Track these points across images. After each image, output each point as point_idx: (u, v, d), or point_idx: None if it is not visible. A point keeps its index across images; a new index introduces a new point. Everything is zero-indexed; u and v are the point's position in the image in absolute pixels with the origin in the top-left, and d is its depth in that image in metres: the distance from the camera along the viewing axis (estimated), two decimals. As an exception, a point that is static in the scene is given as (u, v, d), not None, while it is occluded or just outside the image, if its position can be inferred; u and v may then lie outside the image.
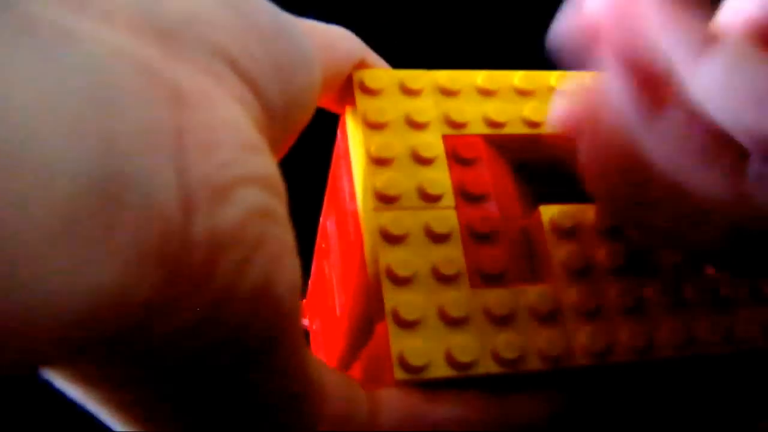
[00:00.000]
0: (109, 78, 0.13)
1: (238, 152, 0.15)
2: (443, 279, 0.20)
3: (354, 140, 0.23)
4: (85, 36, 0.13)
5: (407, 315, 0.19)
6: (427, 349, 0.19)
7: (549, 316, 0.20)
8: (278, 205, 0.16)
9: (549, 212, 0.22)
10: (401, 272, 0.20)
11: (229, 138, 0.14)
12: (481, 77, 0.24)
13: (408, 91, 0.23)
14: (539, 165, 0.24)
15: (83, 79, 0.12)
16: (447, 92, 0.23)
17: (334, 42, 0.22)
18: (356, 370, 0.22)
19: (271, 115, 0.17)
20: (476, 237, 0.21)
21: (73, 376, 0.15)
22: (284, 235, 0.16)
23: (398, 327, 0.19)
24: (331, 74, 0.22)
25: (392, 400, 0.19)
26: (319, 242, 0.28)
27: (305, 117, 0.19)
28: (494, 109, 0.23)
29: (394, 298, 0.19)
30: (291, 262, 0.16)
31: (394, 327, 0.19)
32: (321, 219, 0.28)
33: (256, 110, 0.16)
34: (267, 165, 0.15)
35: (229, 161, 0.14)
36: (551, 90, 0.24)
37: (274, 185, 0.16)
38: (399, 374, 0.19)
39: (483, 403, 0.20)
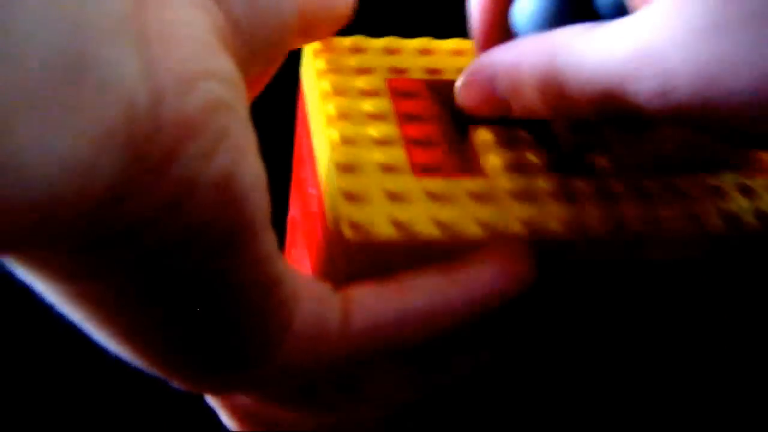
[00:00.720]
0: None
1: (198, 49, 0.15)
2: (388, 168, 0.22)
3: (309, 87, 0.26)
4: None
5: (356, 190, 0.21)
6: (376, 216, 0.21)
7: (486, 197, 0.22)
8: (239, 103, 0.16)
9: (483, 130, 0.24)
10: (349, 161, 0.22)
11: (190, 36, 0.15)
12: (418, 41, 0.27)
13: (355, 50, 0.26)
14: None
15: None
16: (390, 51, 0.27)
17: None
18: None
19: (236, 28, 0.18)
20: (416, 143, 0.24)
21: (42, 266, 0.16)
22: (246, 132, 0.16)
23: (348, 201, 0.21)
24: (309, 15, 0.22)
25: (364, 298, 0.20)
26: (289, 238, 0.30)
27: (275, 45, 0.20)
28: (432, 61, 0.26)
29: (343, 181, 0.22)
30: (254, 159, 0.16)
31: (343, 201, 0.21)
32: (288, 215, 0.30)
33: (218, 19, 0.17)
34: (226, 65, 0.16)
35: (191, 56, 0.15)
36: None
37: (235, 84, 0.16)
38: (349, 234, 0.21)
39: (445, 286, 0.21)
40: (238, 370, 0.19)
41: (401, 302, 0.20)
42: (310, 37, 0.24)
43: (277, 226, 0.30)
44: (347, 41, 0.27)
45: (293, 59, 0.27)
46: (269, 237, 0.17)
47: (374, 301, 0.20)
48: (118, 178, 0.14)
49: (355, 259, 0.21)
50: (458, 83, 0.24)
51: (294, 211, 0.29)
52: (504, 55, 0.23)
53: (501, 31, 0.24)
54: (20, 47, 0.12)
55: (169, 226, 0.15)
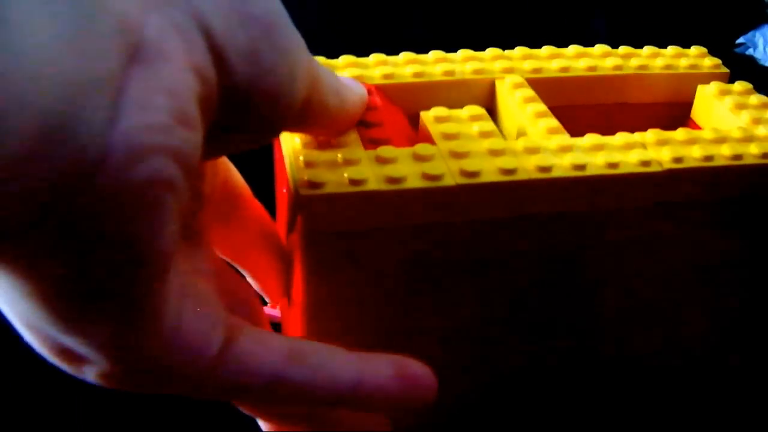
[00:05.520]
0: (82, 27, 0.14)
1: (168, 119, 0.16)
2: (339, 144, 0.25)
3: None
4: None
5: (308, 158, 0.24)
6: (328, 174, 0.24)
7: (429, 158, 0.25)
8: (183, 179, 0.17)
9: (428, 113, 0.27)
10: (304, 143, 0.25)
11: (166, 104, 0.16)
12: (372, 57, 0.31)
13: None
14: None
15: (61, 25, 0.14)
16: (344, 66, 0.30)
17: (333, 88, 0.23)
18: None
19: (232, 97, 0.18)
20: (367, 125, 0.26)
21: None
22: (176, 206, 0.17)
23: (300, 168, 0.24)
24: (308, 108, 0.22)
25: (250, 344, 0.21)
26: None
27: (272, 120, 0.20)
28: (383, 69, 0.30)
29: (303, 155, 0.24)
30: (171, 231, 0.17)
31: (296, 169, 0.24)
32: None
33: (212, 85, 0.17)
34: (189, 140, 0.17)
35: (156, 125, 0.16)
36: (432, 60, 0.31)
37: (188, 161, 0.17)
38: (303, 191, 0.23)
39: (333, 367, 0.22)
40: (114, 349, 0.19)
41: (279, 365, 0.21)
42: (305, 126, 0.24)
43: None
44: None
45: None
46: (160, 280, 0.18)
47: (257, 349, 0.21)
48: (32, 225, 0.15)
49: (317, 217, 0.23)
50: None
51: (279, 219, 0.31)
52: None
53: None
54: (10, 108, 0.13)
55: (72, 265, 0.16)
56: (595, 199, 0.25)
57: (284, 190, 0.28)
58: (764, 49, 0.32)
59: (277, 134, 0.21)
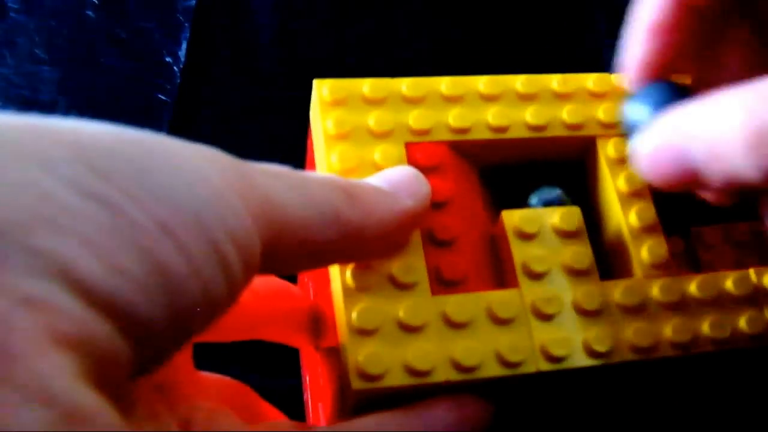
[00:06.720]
0: None
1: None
2: (401, 286, 0.20)
3: (318, 154, 0.23)
4: None
5: (364, 323, 0.19)
6: (385, 357, 0.19)
7: (509, 322, 0.20)
8: None
9: (511, 217, 0.22)
10: (358, 281, 0.20)
11: (35, 416, 0.12)
12: (445, 83, 0.24)
13: (370, 101, 0.23)
14: (506, 169, 0.24)
15: None
16: (410, 100, 0.23)
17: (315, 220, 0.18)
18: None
19: (148, 331, 0.14)
20: (437, 243, 0.21)
21: None
22: None
23: (355, 335, 0.19)
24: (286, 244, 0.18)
25: None
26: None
27: (215, 314, 0.16)
28: (457, 116, 0.23)
29: (351, 307, 0.20)
30: None
31: (350, 336, 0.19)
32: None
33: (108, 340, 0.13)
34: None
35: None
36: (518, 94, 0.24)
37: None
38: (357, 384, 0.19)
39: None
40: None
41: None
42: (285, 268, 0.20)
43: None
44: (363, 85, 0.23)
45: (302, 110, 0.24)
46: None
47: None
48: None
49: (370, 396, 0.19)
50: (641, 152, 0.19)
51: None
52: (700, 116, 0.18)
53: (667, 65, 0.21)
54: None
55: None
56: (697, 373, 0.22)
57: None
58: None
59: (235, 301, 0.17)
